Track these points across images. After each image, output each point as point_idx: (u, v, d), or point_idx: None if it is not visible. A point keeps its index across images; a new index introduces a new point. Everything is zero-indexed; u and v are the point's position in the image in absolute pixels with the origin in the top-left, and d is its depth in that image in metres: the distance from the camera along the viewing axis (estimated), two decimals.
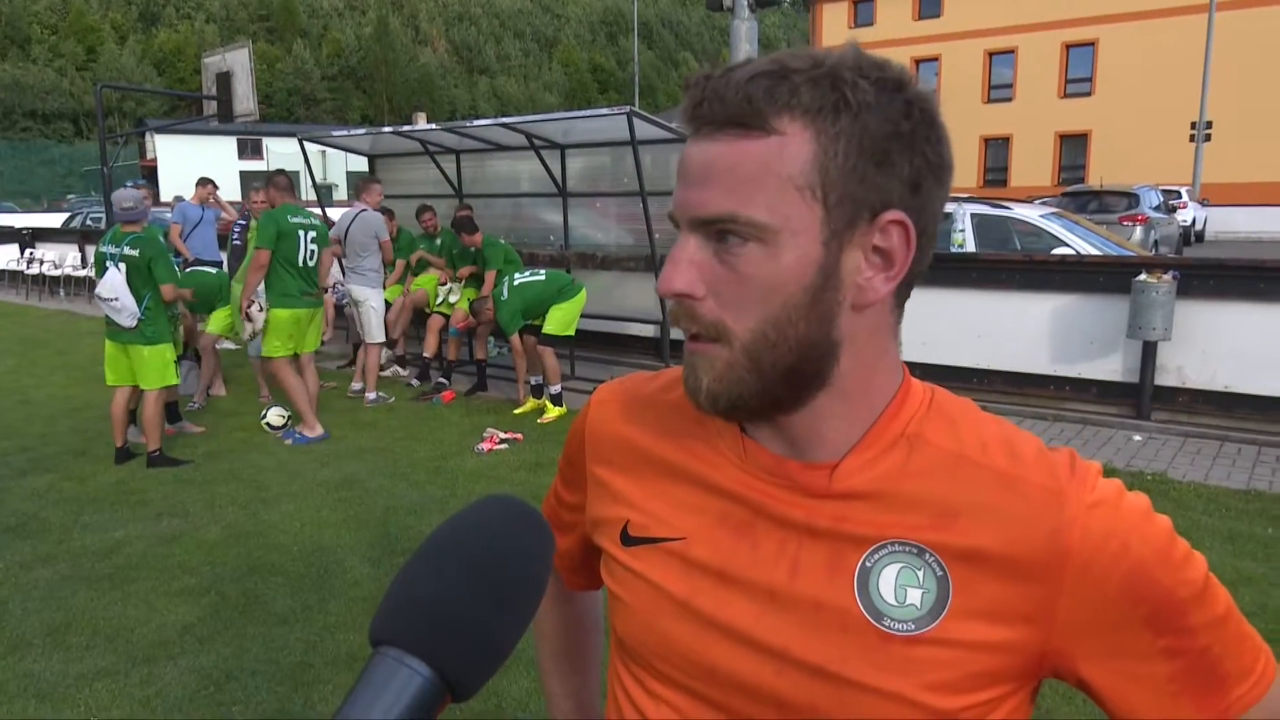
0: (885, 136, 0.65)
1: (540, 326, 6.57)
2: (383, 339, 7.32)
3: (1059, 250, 7.66)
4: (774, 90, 0.64)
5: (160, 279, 5.40)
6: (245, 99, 14.16)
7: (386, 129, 8.07)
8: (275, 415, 6.43)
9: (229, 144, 51.16)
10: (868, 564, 0.69)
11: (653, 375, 0.88)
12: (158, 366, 5.45)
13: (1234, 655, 0.68)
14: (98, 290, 5.38)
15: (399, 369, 8.16)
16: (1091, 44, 31.86)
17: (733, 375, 0.68)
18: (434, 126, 7.73)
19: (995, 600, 0.67)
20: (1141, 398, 6.16)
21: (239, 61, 14.34)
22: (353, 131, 8.51)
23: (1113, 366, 6.36)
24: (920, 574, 0.68)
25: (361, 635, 3.37)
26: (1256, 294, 5.85)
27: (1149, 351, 6.07)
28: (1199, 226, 23.17)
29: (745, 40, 6.92)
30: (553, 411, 6.60)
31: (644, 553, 0.78)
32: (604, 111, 6.43)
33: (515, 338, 6.62)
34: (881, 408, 0.72)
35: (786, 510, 0.72)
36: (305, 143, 8.48)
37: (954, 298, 6.85)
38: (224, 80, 14.49)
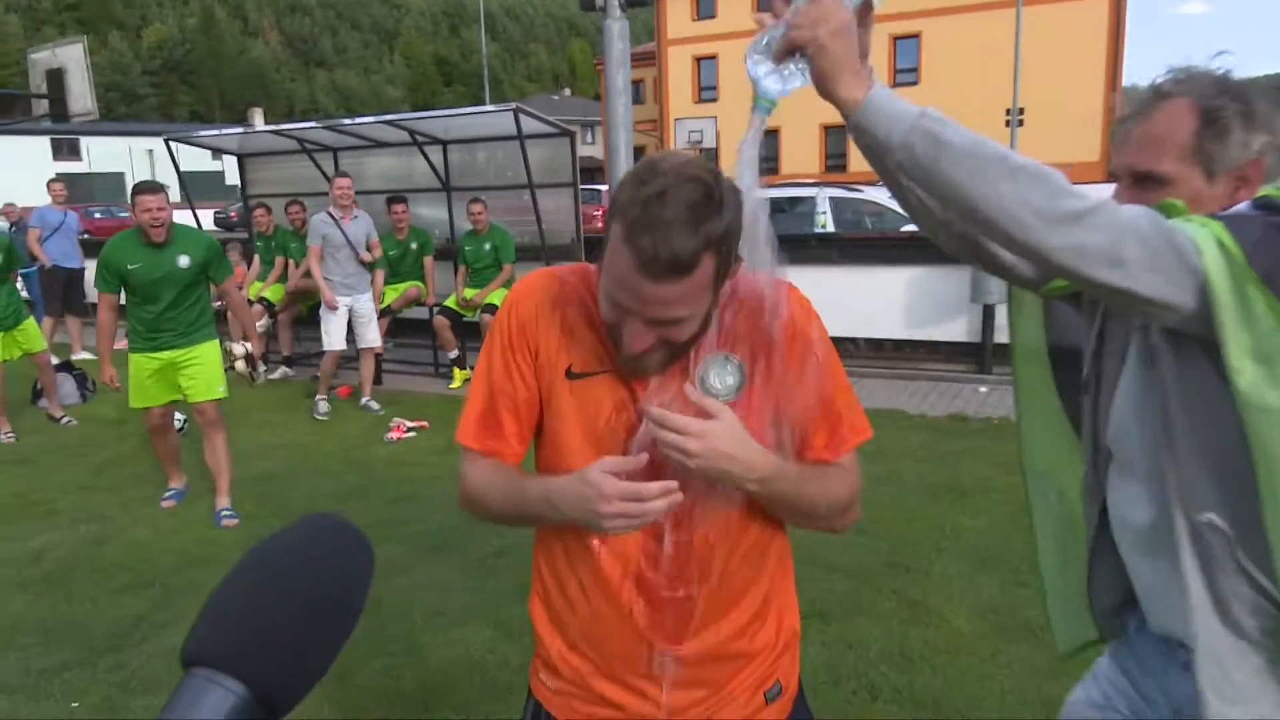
0: None
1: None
2: (329, 347, 6.86)
3: (907, 228, 8.49)
4: None
5: None
6: (82, 97, 13.31)
7: (265, 128, 7.98)
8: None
9: (41, 144, 47.38)
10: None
11: (551, 274, 1.31)
12: None
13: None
14: None
15: (287, 370, 8.12)
16: (916, 36, 34.09)
17: None
18: (314, 124, 7.74)
19: None
20: (984, 355, 7.00)
21: (73, 57, 13.46)
22: (224, 131, 8.36)
23: (958, 329, 7.18)
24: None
25: None
26: None
27: (989, 314, 6.91)
28: None
29: (618, 38, 7.30)
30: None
31: (582, 385, 1.23)
32: (491, 109, 6.67)
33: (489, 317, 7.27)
34: None
35: None
36: (171, 143, 8.25)
37: (822, 274, 7.51)
38: (55, 77, 13.64)
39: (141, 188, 4.39)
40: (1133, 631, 1.46)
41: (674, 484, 1.10)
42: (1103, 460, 1.40)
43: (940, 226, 1.28)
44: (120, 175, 52.99)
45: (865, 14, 1.13)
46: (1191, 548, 1.22)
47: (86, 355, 9.22)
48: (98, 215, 29.18)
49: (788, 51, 1.11)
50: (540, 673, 1.35)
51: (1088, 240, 1.06)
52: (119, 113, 65.57)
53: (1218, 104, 1.22)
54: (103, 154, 51.00)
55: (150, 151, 53.94)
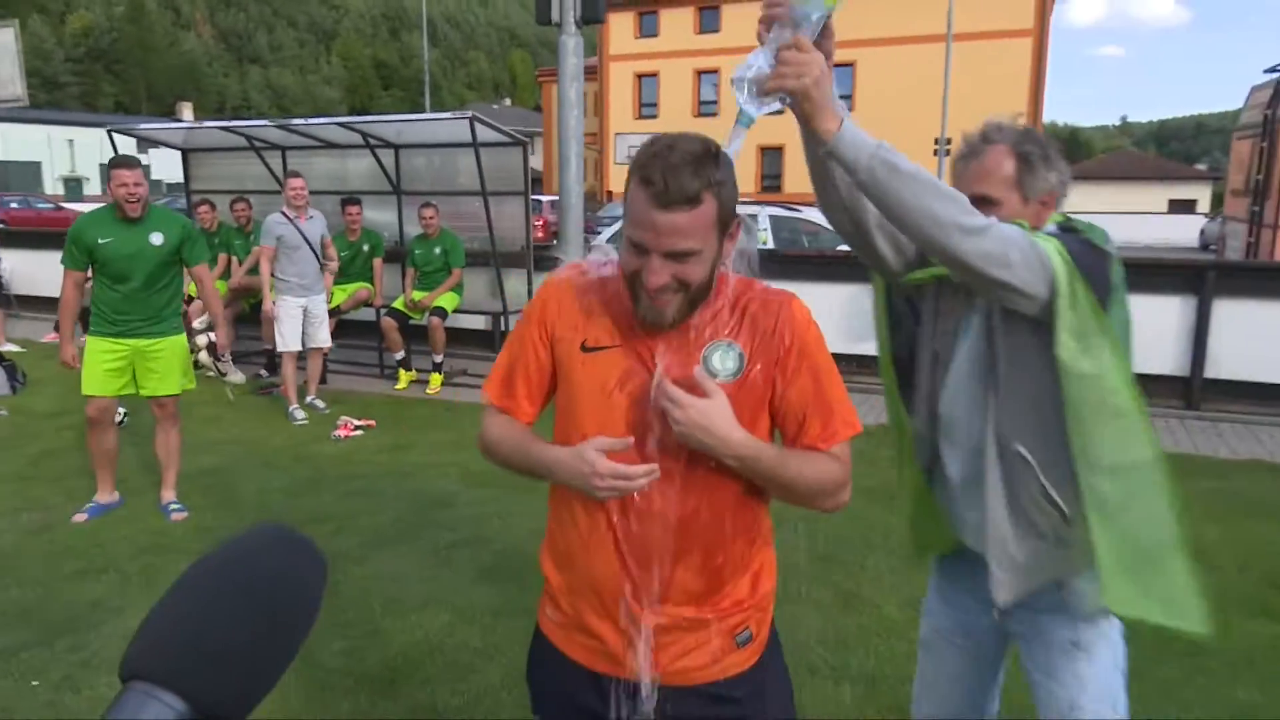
0: None
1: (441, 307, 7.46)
2: (285, 348, 6.74)
3: (843, 247, 8.86)
4: None
5: None
6: (11, 82, 12.93)
7: (212, 123, 7.94)
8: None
9: None
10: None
11: (580, 266, 1.53)
12: None
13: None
14: None
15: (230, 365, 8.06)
16: (851, 65, 35.10)
17: None
18: (265, 123, 7.74)
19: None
20: None
21: (2, 42, 13.14)
22: (169, 124, 8.28)
23: None
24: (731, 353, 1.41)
25: None
26: None
27: None
28: None
29: (572, 54, 7.52)
30: (436, 381, 7.54)
31: (593, 357, 1.43)
32: (447, 116, 6.79)
33: (437, 320, 7.40)
34: None
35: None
36: (114, 134, 8.15)
37: None
38: None
39: (118, 162, 4.26)
40: (947, 563, 1.99)
41: (655, 466, 1.35)
42: (936, 428, 1.81)
43: (843, 215, 1.69)
44: (38, 165, 51.04)
45: (825, 27, 1.44)
46: (999, 468, 1.68)
47: (12, 347, 9.00)
48: (14, 205, 28.27)
49: (773, 91, 1.39)
50: (546, 608, 1.57)
51: (991, 248, 1.50)
52: (39, 100, 63.20)
53: (1028, 149, 1.70)
54: (19, 142, 49.11)
55: (71, 141, 52.19)
